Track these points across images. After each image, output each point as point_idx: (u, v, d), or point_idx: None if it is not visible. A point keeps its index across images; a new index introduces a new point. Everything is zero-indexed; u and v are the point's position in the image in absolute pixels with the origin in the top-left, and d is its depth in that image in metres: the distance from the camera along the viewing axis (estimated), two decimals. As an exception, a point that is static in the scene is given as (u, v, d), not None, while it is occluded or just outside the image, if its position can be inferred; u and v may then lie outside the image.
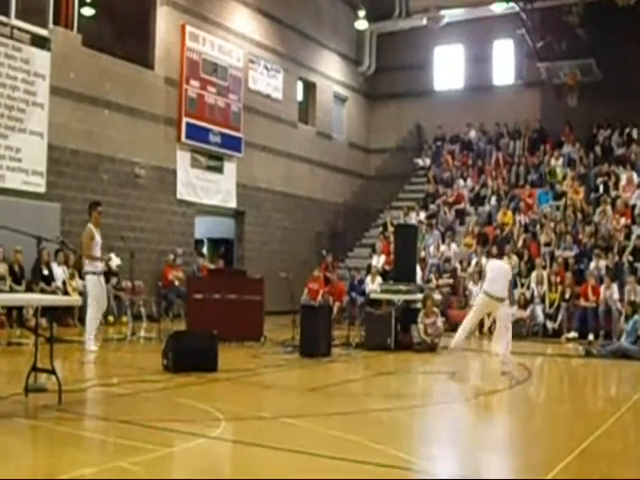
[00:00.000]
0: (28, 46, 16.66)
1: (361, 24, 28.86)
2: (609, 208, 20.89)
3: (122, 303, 17.46)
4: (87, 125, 18.21)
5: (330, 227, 27.19)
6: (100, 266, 12.41)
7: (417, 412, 8.21)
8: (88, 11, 19.71)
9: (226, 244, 24.87)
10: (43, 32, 16.90)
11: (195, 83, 21.27)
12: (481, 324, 18.10)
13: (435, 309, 14.36)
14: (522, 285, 18.65)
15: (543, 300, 18.09)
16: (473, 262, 20.17)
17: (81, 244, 12.48)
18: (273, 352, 12.85)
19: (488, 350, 11.86)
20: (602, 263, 18.52)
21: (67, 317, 16.01)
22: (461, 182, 26.01)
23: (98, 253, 12.32)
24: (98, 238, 12.31)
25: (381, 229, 24.68)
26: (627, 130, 25.14)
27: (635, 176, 22.36)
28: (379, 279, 18.97)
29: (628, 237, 19.67)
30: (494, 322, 17.89)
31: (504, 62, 28.88)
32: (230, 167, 22.74)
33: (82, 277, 16.61)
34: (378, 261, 21.27)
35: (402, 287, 14.60)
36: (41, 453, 5.97)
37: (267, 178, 24.36)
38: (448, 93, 29.39)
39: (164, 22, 20.59)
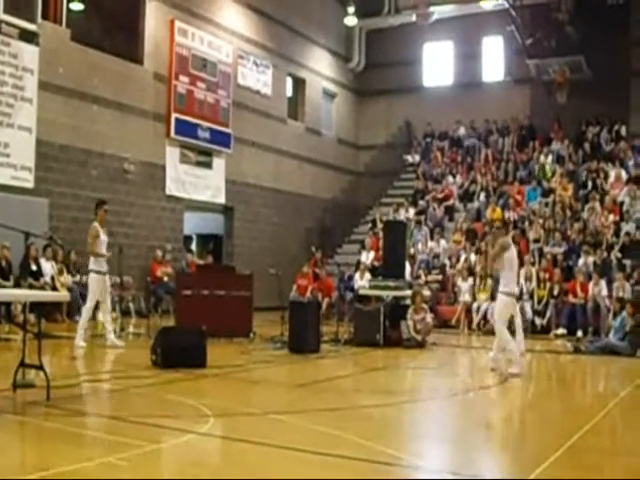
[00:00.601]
0: (16, 41, 16.56)
1: (350, 20, 28.84)
2: (598, 205, 20.95)
3: (111, 299, 17.37)
4: (76, 120, 18.13)
5: (319, 223, 27.20)
6: (105, 266, 12.44)
7: (406, 408, 8.22)
8: (77, 6, 19.59)
9: (215, 240, 24.82)
10: (31, 27, 16.76)
11: (184, 79, 21.19)
12: (470, 320, 18.20)
13: (424, 305, 14.39)
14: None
15: (532, 296, 18.08)
16: (462, 258, 20.23)
17: (86, 242, 12.53)
18: (262, 348, 12.85)
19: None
20: (590, 260, 18.58)
21: (55, 313, 15.99)
22: (450, 178, 26.04)
23: (104, 251, 12.35)
24: (103, 237, 12.38)
25: (370, 225, 24.71)
26: (616, 127, 25.20)
27: (623, 173, 22.47)
28: (368, 275, 18.99)
29: (617, 234, 19.76)
30: (484, 318, 18.03)
31: (493, 59, 28.88)
32: (219, 163, 22.69)
33: (71, 273, 16.64)
34: (367, 257, 21.28)
35: (391, 283, 14.62)
36: (29, 449, 5.95)
37: (256, 174, 24.33)
38: (437, 90, 29.36)
39: (153, 17, 20.51)
